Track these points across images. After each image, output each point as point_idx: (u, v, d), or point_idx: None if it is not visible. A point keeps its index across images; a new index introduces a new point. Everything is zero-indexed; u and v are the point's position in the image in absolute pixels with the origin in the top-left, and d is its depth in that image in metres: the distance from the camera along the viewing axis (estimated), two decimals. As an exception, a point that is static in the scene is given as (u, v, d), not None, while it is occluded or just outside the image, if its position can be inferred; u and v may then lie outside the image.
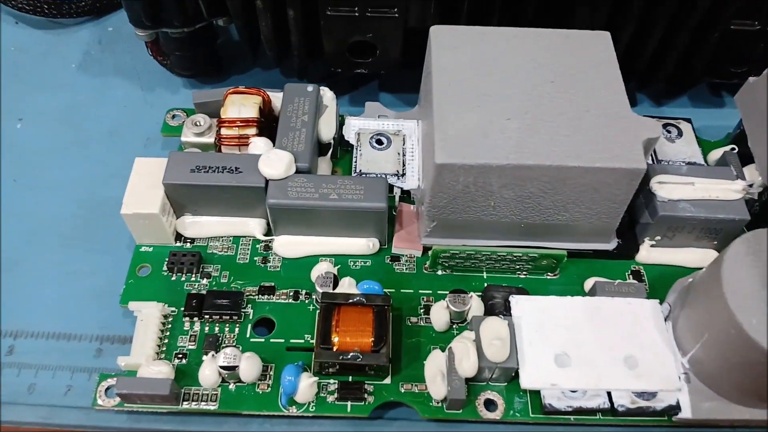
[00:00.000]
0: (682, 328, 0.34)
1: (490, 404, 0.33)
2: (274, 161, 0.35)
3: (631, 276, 0.38)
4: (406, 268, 0.38)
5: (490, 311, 0.35)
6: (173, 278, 0.37)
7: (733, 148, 0.41)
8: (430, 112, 0.35)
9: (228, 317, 0.35)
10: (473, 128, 0.33)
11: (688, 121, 0.44)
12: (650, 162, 0.41)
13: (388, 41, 0.41)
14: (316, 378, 0.33)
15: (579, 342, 0.34)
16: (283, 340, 0.35)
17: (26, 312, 0.37)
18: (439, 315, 0.35)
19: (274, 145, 0.37)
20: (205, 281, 0.36)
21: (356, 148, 0.41)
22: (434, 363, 0.34)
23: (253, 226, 0.38)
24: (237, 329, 0.35)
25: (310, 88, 0.39)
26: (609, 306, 0.35)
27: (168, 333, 0.35)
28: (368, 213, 0.36)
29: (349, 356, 0.32)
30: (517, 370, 0.33)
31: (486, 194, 0.34)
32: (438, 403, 0.33)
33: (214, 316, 0.35)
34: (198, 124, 0.40)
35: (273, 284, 0.36)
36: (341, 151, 0.42)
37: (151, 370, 0.32)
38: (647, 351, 0.34)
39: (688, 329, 0.33)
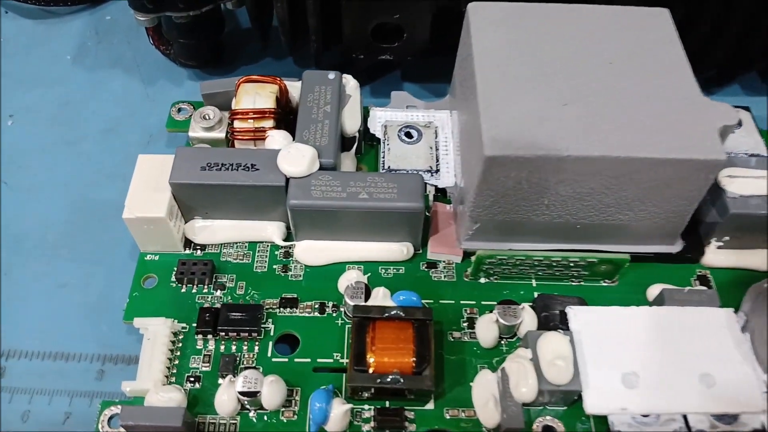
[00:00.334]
0: (761, 341, 0.31)
1: (549, 432, 0.30)
2: (295, 157, 0.33)
3: (697, 282, 0.35)
4: (445, 276, 0.35)
5: (544, 325, 0.32)
6: (183, 290, 0.34)
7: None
8: (471, 100, 0.31)
9: (246, 334, 0.32)
10: (526, 115, 0.29)
11: (747, 109, 0.40)
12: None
13: (416, 23, 0.38)
14: (350, 405, 0.30)
15: (648, 359, 0.30)
16: (309, 360, 0.32)
17: (18, 329, 0.34)
18: (487, 329, 0.32)
19: (294, 139, 0.34)
20: (219, 293, 0.34)
21: (383, 143, 0.37)
22: (484, 385, 0.30)
23: (271, 231, 0.35)
24: (257, 347, 0.32)
25: (331, 75, 0.37)
26: (679, 317, 0.31)
27: (179, 353, 0.32)
28: (403, 214, 0.32)
29: (388, 379, 0.29)
30: (581, 392, 0.29)
31: (540, 191, 0.30)
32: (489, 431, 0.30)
33: (230, 333, 0.32)
34: (207, 117, 0.37)
35: (296, 296, 0.34)
36: (365, 146, 0.39)
37: (161, 397, 0.29)
38: (725, 367, 0.30)
39: (771, 342, 0.30)
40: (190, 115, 0.39)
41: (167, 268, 0.34)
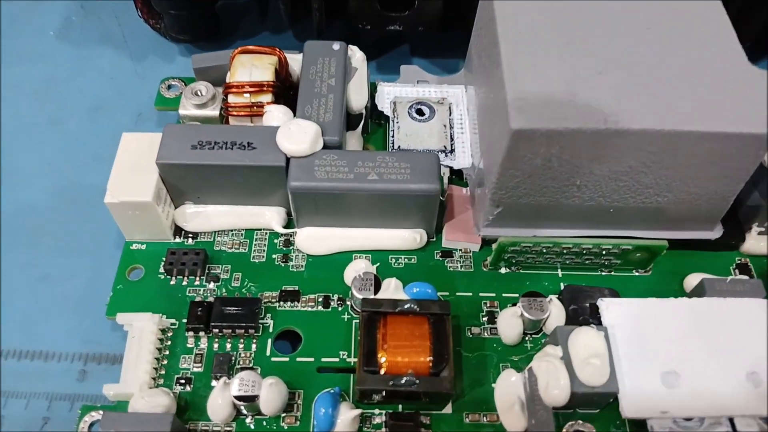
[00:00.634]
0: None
1: (581, 438, 0.28)
2: (296, 134, 0.31)
3: (736, 270, 0.33)
4: (461, 266, 0.33)
5: (572, 319, 0.30)
6: (172, 282, 0.33)
7: None
8: (494, 69, 0.29)
9: (242, 330, 0.31)
10: (557, 85, 0.27)
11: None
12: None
13: (429, -11, 0.36)
14: (360, 410, 0.28)
15: (689, 356, 0.28)
16: (312, 359, 0.30)
17: (-10, 325, 0.33)
18: (510, 324, 0.29)
19: (294, 115, 0.32)
20: (212, 286, 0.33)
21: (392, 120, 0.35)
22: (507, 386, 0.28)
23: (270, 217, 0.34)
24: (254, 346, 0.31)
25: (336, 46, 0.35)
26: (721, 309, 0.29)
27: (167, 352, 0.31)
28: (417, 197, 0.30)
29: (402, 381, 0.27)
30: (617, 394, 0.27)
31: (571, 170, 0.28)
32: (515, 438, 0.28)
33: (224, 330, 0.31)
34: (199, 93, 0.35)
35: (297, 288, 0.32)
36: (372, 124, 0.37)
37: (147, 402, 0.28)
38: (774, 365, 0.28)
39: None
40: (181, 92, 0.37)
41: (155, 258, 0.33)
